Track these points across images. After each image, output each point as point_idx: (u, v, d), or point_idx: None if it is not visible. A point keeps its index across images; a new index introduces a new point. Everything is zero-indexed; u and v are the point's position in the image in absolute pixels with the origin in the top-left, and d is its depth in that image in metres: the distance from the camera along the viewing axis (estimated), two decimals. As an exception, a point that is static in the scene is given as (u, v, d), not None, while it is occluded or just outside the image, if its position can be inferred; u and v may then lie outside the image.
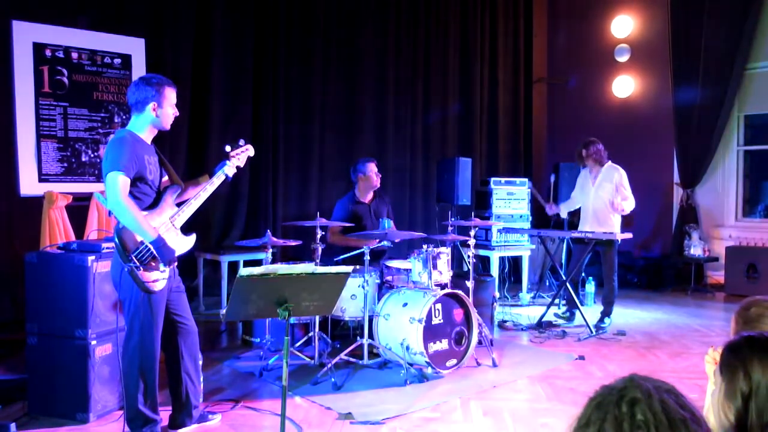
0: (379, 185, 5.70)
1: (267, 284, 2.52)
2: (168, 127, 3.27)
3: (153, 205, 3.18)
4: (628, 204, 5.86)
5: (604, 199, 5.94)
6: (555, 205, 6.34)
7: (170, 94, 3.21)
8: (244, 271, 2.48)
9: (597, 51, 9.32)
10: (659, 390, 1.08)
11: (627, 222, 6.05)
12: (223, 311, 4.63)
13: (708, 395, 1.51)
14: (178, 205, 3.29)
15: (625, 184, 5.92)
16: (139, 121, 3.18)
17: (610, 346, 5.25)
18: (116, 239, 3.00)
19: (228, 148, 3.56)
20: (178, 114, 3.30)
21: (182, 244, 3.25)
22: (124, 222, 2.99)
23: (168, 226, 3.19)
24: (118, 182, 2.95)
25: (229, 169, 3.50)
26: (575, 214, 6.47)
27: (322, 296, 2.72)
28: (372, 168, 5.59)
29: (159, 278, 3.08)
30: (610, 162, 6.03)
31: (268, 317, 4.42)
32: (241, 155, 3.58)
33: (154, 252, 3.00)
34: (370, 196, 5.69)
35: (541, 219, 8.05)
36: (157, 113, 3.17)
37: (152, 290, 3.05)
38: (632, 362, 4.82)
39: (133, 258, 2.98)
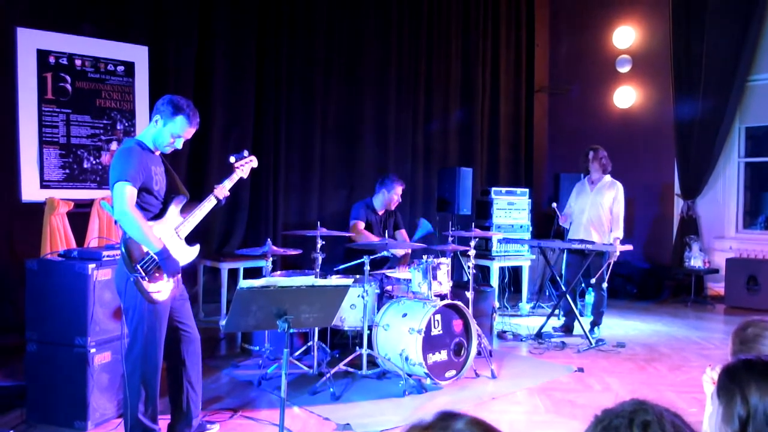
0: (393, 209, 5.88)
1: (267, 296, 2.53)
2: (166, 152, 3.24)
3: (158, 215, 3.19)
4: (620, 225, 5.90)
5: (602, 205, 5.95)
6: (565, 215, 6.30)
7: (184, 126, 3.15)
8: (244, 284, 2.49)
9: (598, 61, 9.35)
10: (669, 413, 1.09)
11: (627, 232, 6.06)
12: (223, 322, 4.64)
13: (705, 418, 1.52)
14: (183, 215, 3.30)
15: (621, 199, 5.94)
16: (150, 133, 3.20)
17: (610, 359, 5.25)
18: (122, 249, 3.00)
19: (232, 159, 3.57)
20: (180, 148, 3.25)
21: (186, 254, 3.26)
22: (129, 232, 3.00)
23: (173, 236, 3.19)
24: (126, 192, 2.96)
25: (235, 175, 3.53)
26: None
27: (322, 308, 2.73)
28: (398, 191, 5.80)
29: (163, 289, 3.09)
30: (610, 176, 6.05)
31: (267, 329, 4.43)
32: (244, 166, 3.60)
33: (159, 263, 3.01)
34: (383, 210, 5.87)
35: (541, 229, 8.07)
36: (159, 131, 3.15)
37: (156, 301, 3.06)
38: (632, 375, 4.81)
39: (139, 268, 2.99)
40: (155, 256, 3.01)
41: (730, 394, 1.34)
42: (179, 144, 3.21)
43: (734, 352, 1.86)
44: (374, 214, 5.81)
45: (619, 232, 5.91)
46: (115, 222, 3.08)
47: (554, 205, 6.25)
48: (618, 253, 5.71)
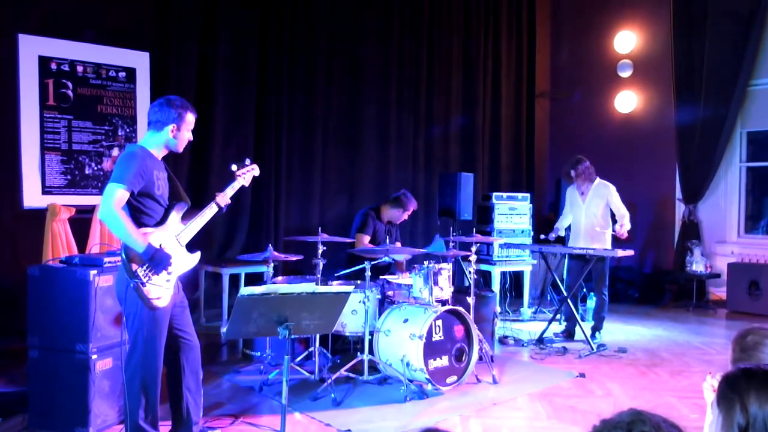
0: (398, 223, 6.00)
1: (268, 303, 2.54)
2: (181, 150, 3.32)
3: (160, 221, 3.20)
4: (627, 219, 5.91)
5: (596, 215, 5.96)
6: (555, 229, 6.36)
7: (190, 119, 3.27)
8: (245, 291, 2.49)
9: (600, 66, 9.36)
10: (666, 423, 1.09)
11: (628, 237, 6.06)
12: (224, 329, 4.64)
13: (706, 426, 1.52)
14: (184, 222, 3.30)
15: (617, 199, 5.96)
16: (154, 139, 3.22)
17: (611, 364, 5.24)
18: (123, 255, 3.00)
19: (234, 167, 3.57)
20: (192, 139, 3.33)
21: (187, 261, 3.27)
22: (114, 232, 3.02)
23: (174, 242, 3.20)
24: (115, 194, 2.97)
25: (237, 182, 3.54)
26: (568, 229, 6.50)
27: (323, 315, 2.72)
28: (411, 209, 5.92)
29: (163, 295, 3.09)
30: (598, 179, 6.05)
31: (268, 336, 4.43)
32: (246, 174, 3.60)
33: (148, 263, 3.01)
34: (387, 220, 5.94)
35: (542, 234, 8.06)
36: (175, 135, 3.21)
37: (157, 307, 3.06)
38: (633, 380, 4.80)
39: (139, 274, 2.99)
40: (141, 257, 2.99)
41: (730, 403, 1.34)
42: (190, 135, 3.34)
43: (734, 359, 1.86)
44: (380, 223, 5.90)
45: (627, 223, 5.91)
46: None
47: (541, 237, 6.38)
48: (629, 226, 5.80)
